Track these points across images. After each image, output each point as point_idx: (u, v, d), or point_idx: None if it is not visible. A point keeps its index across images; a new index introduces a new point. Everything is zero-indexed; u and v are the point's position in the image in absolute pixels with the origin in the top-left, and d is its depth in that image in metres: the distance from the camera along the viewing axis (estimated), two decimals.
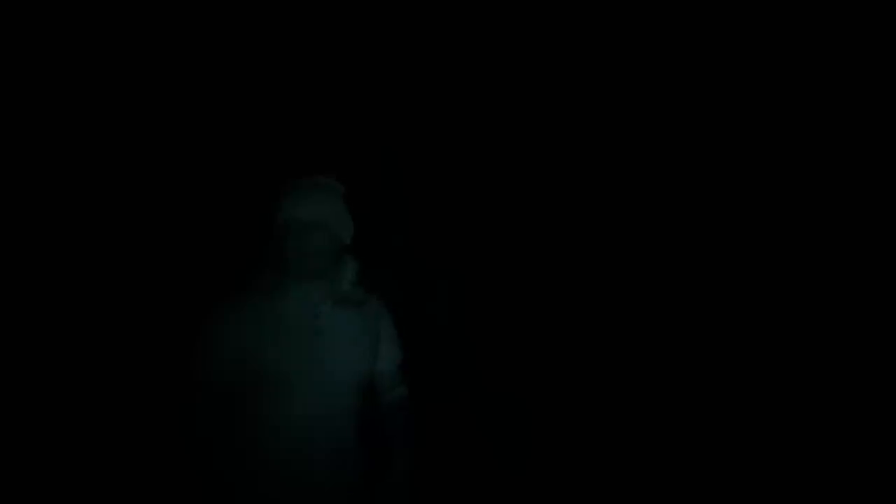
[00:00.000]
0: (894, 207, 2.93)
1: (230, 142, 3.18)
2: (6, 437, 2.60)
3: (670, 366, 3.14)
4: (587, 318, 3.27)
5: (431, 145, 3.37)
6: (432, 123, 3.36)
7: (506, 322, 3.28)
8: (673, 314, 3.20)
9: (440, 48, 3.30)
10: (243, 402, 1.60)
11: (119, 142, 3.06)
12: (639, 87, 3.28)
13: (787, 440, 2.81)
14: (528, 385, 3.22)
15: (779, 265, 3.10)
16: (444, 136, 3.37)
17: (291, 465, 1.59)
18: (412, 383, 1.90)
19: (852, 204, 3.01)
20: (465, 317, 3.20)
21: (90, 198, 3.01)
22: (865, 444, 2.67)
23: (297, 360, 1.58)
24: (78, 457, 2.65)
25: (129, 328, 2.90)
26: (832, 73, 3.01)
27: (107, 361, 2.84)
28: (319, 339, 1.62)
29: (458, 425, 3.07)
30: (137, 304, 2.95)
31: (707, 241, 3.20)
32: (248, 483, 1.59)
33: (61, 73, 2.93)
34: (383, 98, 3.34)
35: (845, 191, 3.02)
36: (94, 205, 3.01)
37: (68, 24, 2.90)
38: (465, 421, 3.09)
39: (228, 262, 2.65)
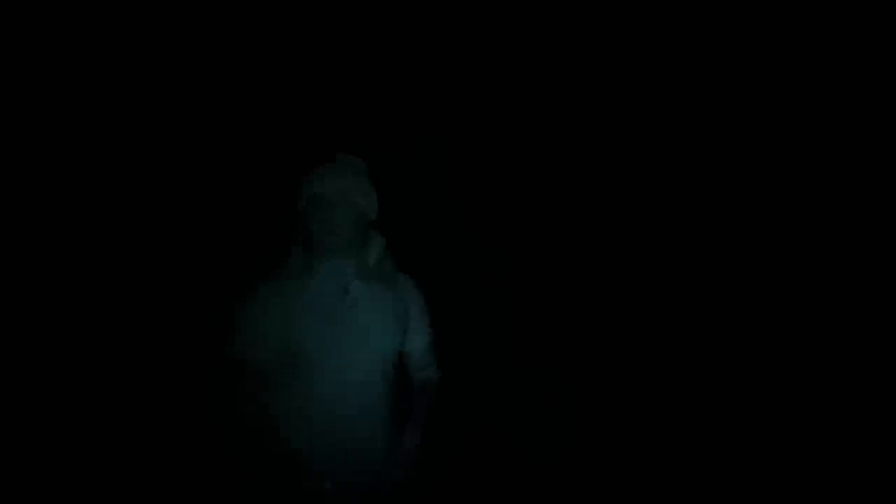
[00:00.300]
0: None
1: (249, 128, 3.21)
2: (16, 434, 2.60)
3: (698, 352, 3.11)
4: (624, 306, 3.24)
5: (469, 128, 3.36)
6: (470, 108, 3.36)
7: (542, 304, 3.26)
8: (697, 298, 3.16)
9: (471, 35, 3.29)
10: (277, 379, 1.61)
11: (136, 129, 3.08)
12: (669, 83, 3.27)
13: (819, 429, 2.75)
14: (562, 368, 3.19)
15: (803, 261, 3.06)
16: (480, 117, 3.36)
17: (324, 440, 1.60)
18: (444, 365, 1.89)
19: (856, 204, 2.97)
20: (503, 298, 3.21)
21: (106, 186, 3.03)
22: (866, 444, 2.64)
23: (329, 337, 1.60)
24: (89, 452, 2.64)
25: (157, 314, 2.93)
26: (840, 73, 2.97)
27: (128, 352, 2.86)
28: (350, 316, 1.63)
29: (490, 409, 3.03)
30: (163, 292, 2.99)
31: (738, 231, 3.17)
32: (281, 459, 1.61)
33: (61, 72, 2.94)
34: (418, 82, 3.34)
35: (852, 191, 2.98)
36: (111, 192, 3.03)
37: (68, 23, 2.92)
38: (497, 403, 3.05)
39: (254, 245, 2.68)
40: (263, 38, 3.18)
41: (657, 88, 3.27)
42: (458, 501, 2.67)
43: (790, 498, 2.56)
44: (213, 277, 2.87)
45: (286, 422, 1.60)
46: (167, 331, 2.88)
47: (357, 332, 1.62)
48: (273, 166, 3.08)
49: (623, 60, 3.28)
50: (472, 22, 3.26)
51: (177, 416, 2.55)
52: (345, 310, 1.63)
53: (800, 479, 2.60)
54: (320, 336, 1.59)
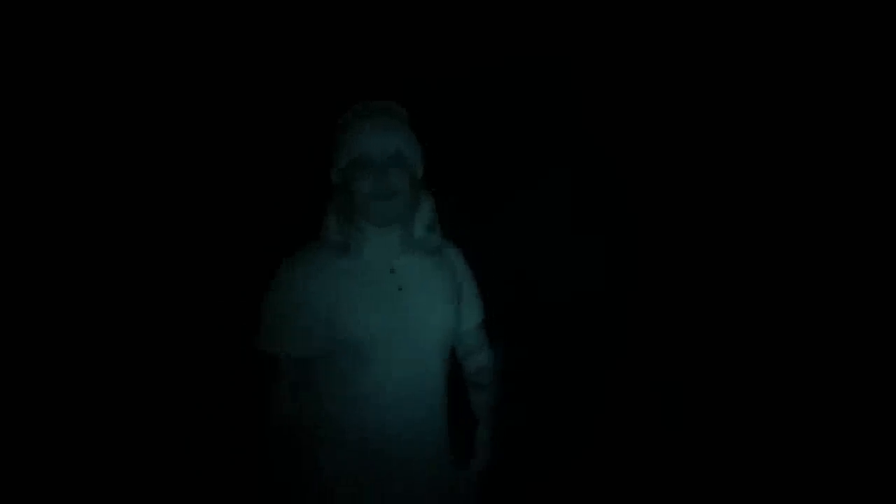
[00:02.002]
0: None
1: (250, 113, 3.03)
2: (20, 434, 2.51)
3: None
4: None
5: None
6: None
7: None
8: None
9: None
10: (325, 370, 1.42)
11: (131, 123, 2.92)
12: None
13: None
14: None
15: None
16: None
17: (383, 432, 1.41)
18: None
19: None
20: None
21: (105, 180, 2.88)
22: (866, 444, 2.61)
23: (381, 321, 1.39)
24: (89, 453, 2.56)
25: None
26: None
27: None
28: (401, 296, 1.42)
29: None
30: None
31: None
32: (334, 457, 1.42)
33: (59, 72, 2.77)
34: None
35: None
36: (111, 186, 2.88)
37: (67, 23, 2.74)
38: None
39: (277, 222, 2.49)
40: (257, 34, 2.99)
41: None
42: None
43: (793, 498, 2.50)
44: (234, 262, 2.71)
45: (336, 417, 1.41)
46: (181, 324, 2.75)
47: (412, 313, 1.42)
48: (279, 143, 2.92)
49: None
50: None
51: (190, 417, 2.43)
52: (395, 290, 1.42)
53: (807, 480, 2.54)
54: (373, 320, 1.38)
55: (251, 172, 3.02)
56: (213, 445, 2.38)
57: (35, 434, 2.55)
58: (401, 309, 1.41)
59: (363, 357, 1.38)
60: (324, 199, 1.48)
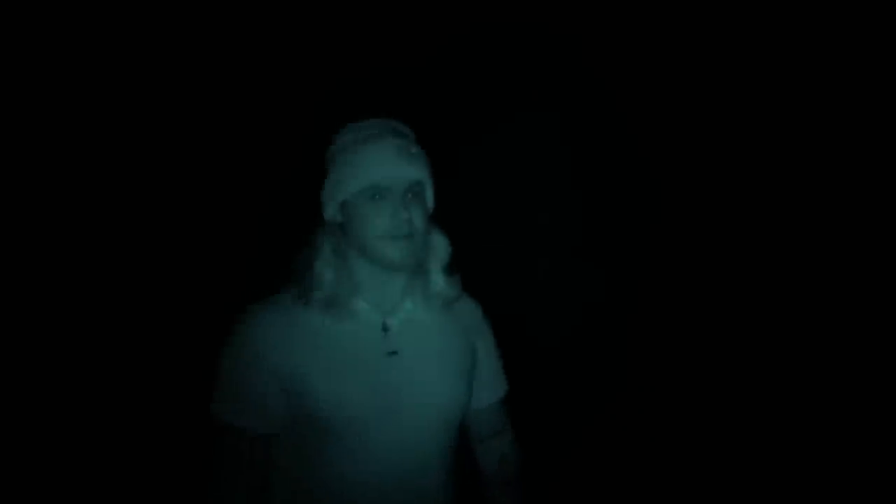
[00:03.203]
0: None
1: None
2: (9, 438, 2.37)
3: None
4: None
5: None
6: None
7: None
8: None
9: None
10: (296, 456, 1.10)
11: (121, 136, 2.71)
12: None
13: None
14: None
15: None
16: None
17: None
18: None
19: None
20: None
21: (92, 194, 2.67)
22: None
23: (361, 395, 1.07)
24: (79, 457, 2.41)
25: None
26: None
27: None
28: (394, 363, 1.11)
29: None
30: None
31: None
32: None
33: (54, 72, 2.60)
34: None
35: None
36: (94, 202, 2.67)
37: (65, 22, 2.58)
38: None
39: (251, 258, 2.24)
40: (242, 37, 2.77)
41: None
42: None
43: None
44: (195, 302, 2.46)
45: None
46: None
47: (406, 388, 1.10)
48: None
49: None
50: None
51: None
52: (385, 356, 1.10)
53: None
54: (347, 397, 1.06)
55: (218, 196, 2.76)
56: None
57: (29, 436, 2.43)
58: (392, 380, 1.09)
59: (337, 440, 1.06)
60: (304, 237, 1.16)
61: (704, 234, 3.03)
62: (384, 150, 1.10)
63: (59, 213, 2.59)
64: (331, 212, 1.13)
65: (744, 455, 2.63)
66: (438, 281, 1.17)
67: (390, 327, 1.12)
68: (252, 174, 2.76)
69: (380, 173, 1.08)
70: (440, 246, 1.18)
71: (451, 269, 1.19)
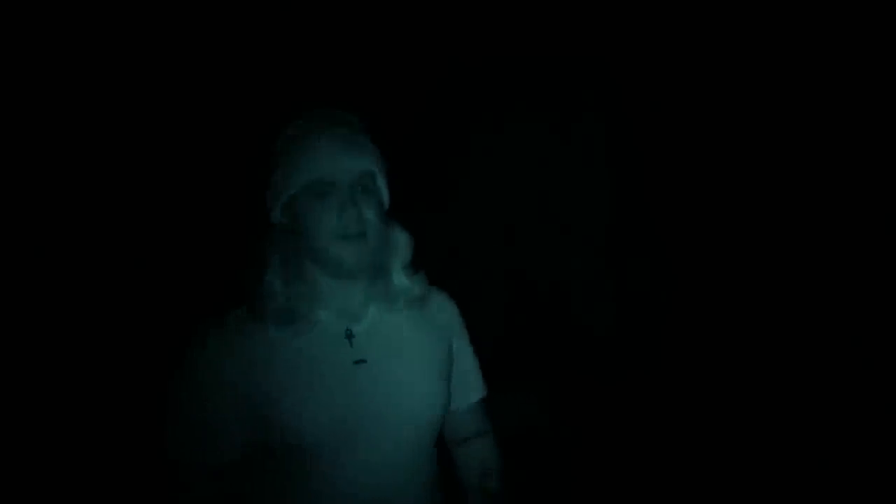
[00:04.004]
0: None
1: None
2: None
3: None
4: None
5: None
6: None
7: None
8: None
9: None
10: (255, 481, 1.02)
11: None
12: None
13: None
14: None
15: None
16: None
17: None
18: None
19: None
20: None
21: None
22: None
23: (330, 412, 0.98)
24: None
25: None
26: None
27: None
28: (362, 372, 1.01)
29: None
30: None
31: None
32: None
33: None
34: None
35: None
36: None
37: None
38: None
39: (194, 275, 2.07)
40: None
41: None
42: None
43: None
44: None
45: None
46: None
47: (379, 398, 1.01)
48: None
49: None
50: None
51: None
52: (352, 366, 1.01)
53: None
54: (315, 415, 0.97)
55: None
56: None
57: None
58: (361, 391, 1.00)
59: (308, 460, 0.98)
60: (255, 245, 1.06)
61: (714, 234, 2.99)
62: (326, 141, 1.00)
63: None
64: (276, 215, 1.04)
65: (760, 455, 2.59)
66: (401, 280, 1.08)
67: (355, 335, 1.03)
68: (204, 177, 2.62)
69: (323, 167, 0.99)
70: (401, 243, 1.09)
71: (415, 266, 1.11)
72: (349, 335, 1.03)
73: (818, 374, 2.71)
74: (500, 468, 1.21)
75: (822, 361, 2.72)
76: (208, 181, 2.52)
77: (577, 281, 2.99)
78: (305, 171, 1.00)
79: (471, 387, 1.20)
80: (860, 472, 2.37)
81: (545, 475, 2.49)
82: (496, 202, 2.96)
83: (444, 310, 1.17)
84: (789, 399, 2.69)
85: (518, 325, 2.95)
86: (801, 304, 2.81)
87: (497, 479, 1.20)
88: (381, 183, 1.07)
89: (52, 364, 2.37)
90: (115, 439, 2.16)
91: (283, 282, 1.01)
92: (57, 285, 2.42)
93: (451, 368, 1.14)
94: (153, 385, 1.07)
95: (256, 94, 2.60)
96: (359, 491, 0.99)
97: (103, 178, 2.50)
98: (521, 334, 2.95)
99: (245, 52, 2.64)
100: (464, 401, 1.18)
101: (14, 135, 2.40)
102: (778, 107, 2.86)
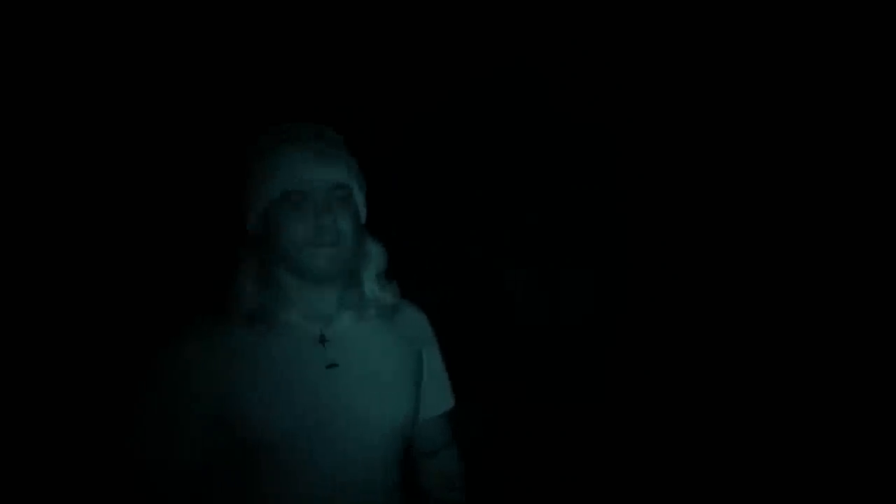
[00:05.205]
0: None
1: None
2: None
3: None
4: None
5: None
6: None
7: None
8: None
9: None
10: (230, 483, 1.02)
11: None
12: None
13: None
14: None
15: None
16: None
17: None
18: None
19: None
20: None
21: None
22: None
23: (299, 412, 1.00)
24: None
25: None
26: None
27: None
28: (333, 376, 1.03)
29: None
30: None
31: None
32: None
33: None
34: None
35: None
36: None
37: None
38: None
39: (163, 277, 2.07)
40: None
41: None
42: None
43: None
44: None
45: None
46: None
47: (348, 402, 1.03)
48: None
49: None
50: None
51: None
52: (323, 369, 1.03)
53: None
54: (284, 415, 0.99)
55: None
56: None
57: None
58: (332, 394, 1.02)
59: (275, 462, 0.99)
60: (228, 250, 1.08)
61: (688, 234, 3.00)
62: (300, 152, 1.03)
63: None
64: (249, 223, 1.06)
65: (733, 456, 2.62)
66: (373, 289, 1.11)
67: (328, 339, 1.05)
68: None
69: (297, 177, 1.01)
70: (375, 254, 1.11)
71: (387, 276, 1.13)
72: (322, 339, 1.05)
73: (783, 377, 2.75)
74: (462, 479, 1.24)
75: (787, 364, 2.77)
76: (180, 187, 2.50)
77: (518, 286, 3.00)
78: (279, 180, 1.02)
79: (439, 397, 1.22)
80: (832, 479, 2.41)
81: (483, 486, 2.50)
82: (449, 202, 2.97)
83: (414, 321, 1.20)
84: (732, 405, 2.74)
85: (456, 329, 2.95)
86: (765, 309, 2.85)
87: (458, 488, 1.23)
88: (358, 196, 1.09)
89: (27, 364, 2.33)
90: (90, 440, 2.16)
91: (254, 285, 1.03)
92: (28, 287, 2.39)
93: (421, 378, 1.16)
94: (121, 386, 1.07)
95: (237, 101, 2.60)
96: (322, 494, 1.00)
97: (78, 181, 2.47)
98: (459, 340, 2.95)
99: (231, 59, 2.65)
100: (432, 411, 1.20)
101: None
102: (740, 114, 2.91)
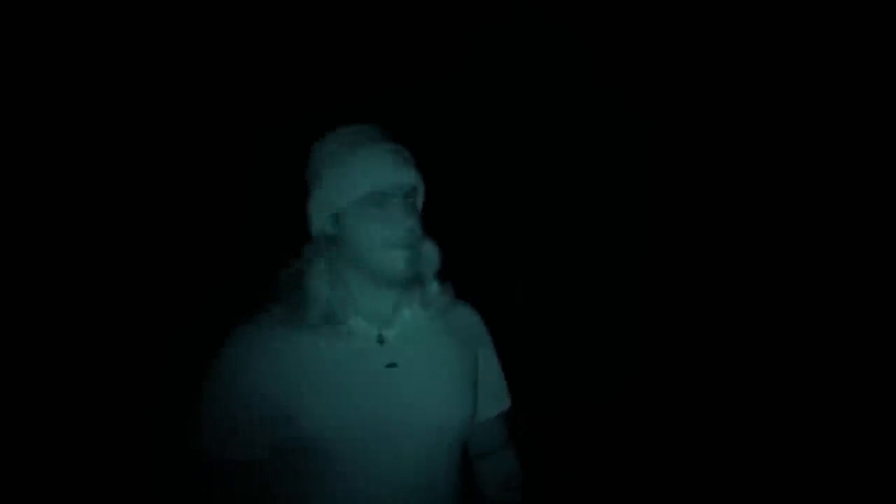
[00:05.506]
0: None
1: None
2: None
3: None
4: None
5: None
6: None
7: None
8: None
9: None
10: (281, 478, 1.04)
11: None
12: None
13: None
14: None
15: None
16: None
17: None
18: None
19: None
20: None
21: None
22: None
23: (358, 412, 1.00)
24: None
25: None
26: None
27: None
28: (392, 376, 1.04)
29: None
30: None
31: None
32: None
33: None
34: None
35: None
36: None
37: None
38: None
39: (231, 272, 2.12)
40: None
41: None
42: None
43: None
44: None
45: None
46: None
47: (407, 401, 1.03)
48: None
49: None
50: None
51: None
52: (382, 369, 1.04)
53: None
54: (343, 414, 1.00)
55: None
56: None
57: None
58: (391, 394, 1.03)
59: (337, 461, 1.00)
60: (289, 252, 1.10)
61: (704, 231, 2.99)
62: (380, 155, 1.04)
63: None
64: (320, 225, 1.07)
65: (747, 454, 2.61)
66: (433, 289, 1.12)
67: (387, 339, 1.06)
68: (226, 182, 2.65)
69: (380, 179, 1.02)
70: (431, 253, 1.12)
71: (442, 275, 1.14)
72: (381, 340, 1.06)
73: (794, 376, 2.74)
74: (519, 479, 1.23)
75: (799, 363, 2.75)
76: (245, 189, 2.56)
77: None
78: (362, 184, 1.02)
79: (495, 398, 1.22)
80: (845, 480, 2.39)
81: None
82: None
83: (470, 321, 1.20)
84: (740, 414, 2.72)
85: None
86: (776, 308, 2.84)
87: (516, 489, 1.22)
88: (420, 197, 1.11)
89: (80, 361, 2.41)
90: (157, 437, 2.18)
91: (327, 287, 1.04)
92: (86, 285, 2.46)
93: (477, 379, 1.16)
94: (186, 385, 1.10)
95: (283, 99, 2.65)
96: (383, 491, 1.01)
97: (124, 180, 2.55)
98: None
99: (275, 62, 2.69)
100: (489, 412, 1.20)
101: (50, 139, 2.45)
102: (755, 112, 2.89)
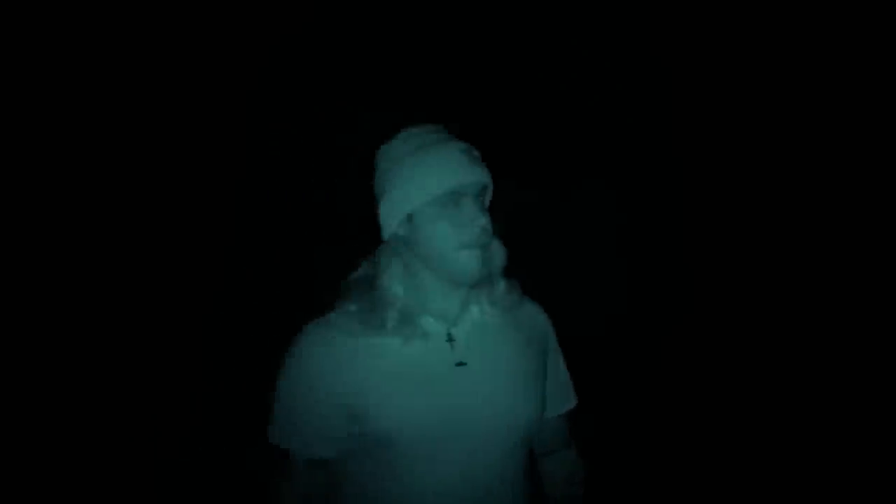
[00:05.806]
0: None
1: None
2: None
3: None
4: None
5: None
6: None
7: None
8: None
9: None
10: (353, 474, 1.07)
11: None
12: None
13: None
14: None
15: None
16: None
17: None
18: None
19: None
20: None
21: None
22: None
23: (428, 410, 1.02)
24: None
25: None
26: None
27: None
28: (461, 374, 1.05)
29: None
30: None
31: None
32: None
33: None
34: None
35: None
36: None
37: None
38: None
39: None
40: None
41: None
42: None
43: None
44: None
45: None
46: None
47: (477, 399, 1.04)
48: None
49: None
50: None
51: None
52: (452, 367, 1.05)
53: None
54: (414, 412, 1.01)
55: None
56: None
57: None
58: (460, 392, 1.04)
59: (407, 459, 1.02)
60: (363, 252, 1.12)
61: (735, 235, 2.93)
62: (454, 154, 1.04)
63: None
64: (394, 226, 1.07)
65: (760, 456, 2.57)
66: (500, 287, 1.12)
67: (456, 338, 1.07)
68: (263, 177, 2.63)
69: (455, 178, 1.03)
70: (498, 250, 1.11)
71: (508, 273, 1.14)
72: (450, 338, 1.07)
73: (822, 381, 2.70)
74: (582, 477, 1.23)
75: (826, 368, 2.71)
76: (245, 188, 2.54)
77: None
78: (437, 183, 1.02)
79: (562, 396, 1.22)
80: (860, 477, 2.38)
81: None
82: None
83: (537, 319, 1.20)
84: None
85: None
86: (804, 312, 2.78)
87: (579, 487, 1.22)
88: (489, 196, 1.11)
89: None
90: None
91: (402, 288, 1.06)
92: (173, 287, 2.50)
93: (545, 377, 1.16)
94: (263, 384, 1.12)
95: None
96: (452, 487, 1.02)
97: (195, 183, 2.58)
98: None
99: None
100: (555, 410, 1.20)
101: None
102: (788, 116, 2.84)
